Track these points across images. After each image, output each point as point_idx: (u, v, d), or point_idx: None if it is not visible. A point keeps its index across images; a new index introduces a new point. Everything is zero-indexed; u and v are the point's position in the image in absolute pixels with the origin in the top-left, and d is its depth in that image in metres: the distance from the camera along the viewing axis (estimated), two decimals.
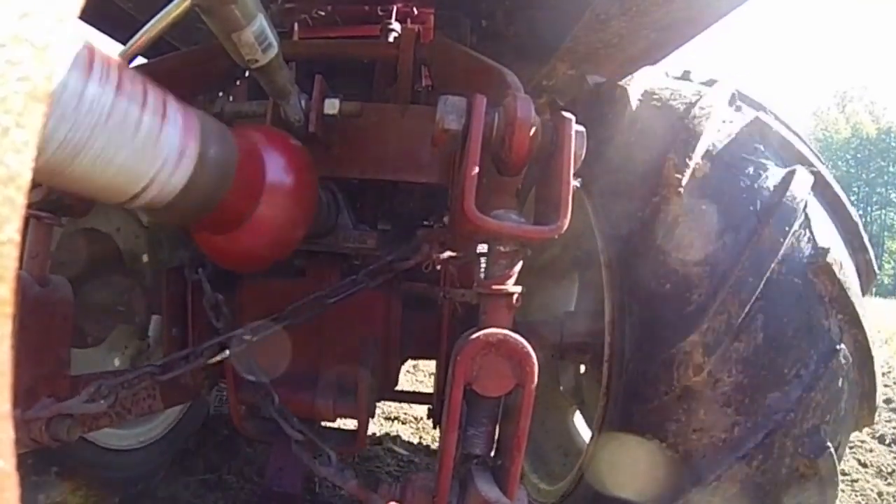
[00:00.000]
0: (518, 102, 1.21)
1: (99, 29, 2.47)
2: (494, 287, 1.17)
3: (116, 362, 2.42)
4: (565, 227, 1.15)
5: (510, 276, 1.18)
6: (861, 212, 57.12)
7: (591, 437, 1.65)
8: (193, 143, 1.00)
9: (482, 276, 1.21)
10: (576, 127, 1.23)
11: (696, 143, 1.49)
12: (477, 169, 1.16)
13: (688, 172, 1.46)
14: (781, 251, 1.38)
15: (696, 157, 1.47)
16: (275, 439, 2.12)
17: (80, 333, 1.95)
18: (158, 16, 1.17)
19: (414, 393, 2.82)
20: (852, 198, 56.57)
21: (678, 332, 1.39)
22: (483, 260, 1.22)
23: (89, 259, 2.09)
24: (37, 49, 0.35)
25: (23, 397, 1.35)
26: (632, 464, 1.45)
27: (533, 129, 1.21)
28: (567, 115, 1.24)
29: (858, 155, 56.24)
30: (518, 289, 1.19)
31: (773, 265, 1.37)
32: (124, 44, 1.27)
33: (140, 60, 2.24)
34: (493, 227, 1.13)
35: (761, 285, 1.36)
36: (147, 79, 0.90)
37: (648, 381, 1.44)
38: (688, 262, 1.42)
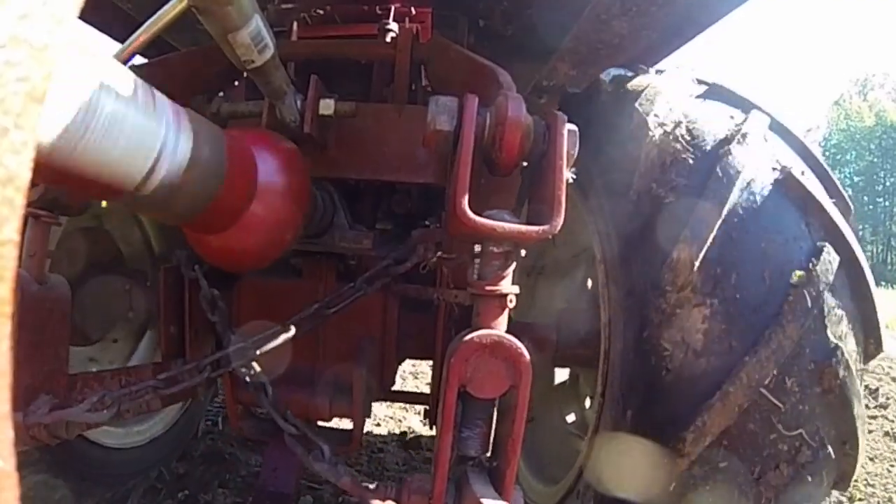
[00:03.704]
0: (509, 101, 1.21)
1: (98, 28, 2.47)
2: (487, 288, 1.16)
3: (115, 360, 2.42)
4: (559, 226, 1.14)
5: (504, 277, 1.17)
6: (887, 203, 56.31)
7: (588, 438, 1.65)
8: (185, 141, 1.01)
9: (475, 276, 1.20)
10: (568, 126, 1.22)
11: (718, 212, 1.40)
12: (469, 169, 1.16)
13: (702, 252, 1.38)
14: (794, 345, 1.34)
15: (711, 235, 1.39)
16: (271, 439, 2.13)
17: (80, 331, 1.95)
18: (155, 16, 1.17)
19: (411, 393, 2.83)
20: (878, 188, 55.60)
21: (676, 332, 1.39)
22: (477, 260, 1.22)
23: (89, 257, 2.09)
24: (36, 50, 0.35)
25: (21, 395, 1.35)
26: (629, 464, 1.44)
27: (524, 128, 1.20)
28: (559, 113, 1.24)
29: (883, 143, 55.49)
30: (513, 289, 1.18)
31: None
32: (123, 43, 1.27)
33: (140, 60, 2.25)
34: (485, 227, 1.12)
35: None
36: (141, 79, 0.90)
37: (645, 381, 1.44)
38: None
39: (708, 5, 1.98)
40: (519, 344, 1.12)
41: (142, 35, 1.18)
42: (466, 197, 1.13)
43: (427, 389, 4.40)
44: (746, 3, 1.99)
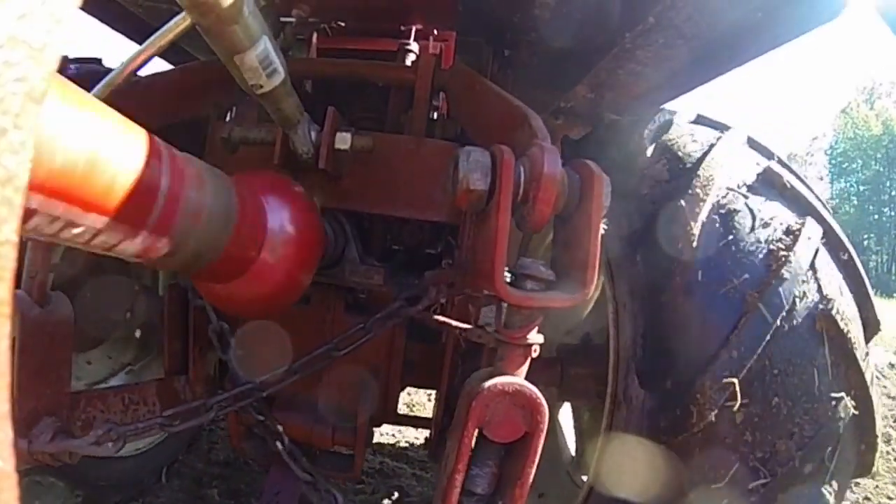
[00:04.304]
0: (545, 155, 1.12)
1: (115, 28, 2.50)
2: (515, 337, 1.15)
3: (114, 366, 2.43)
4: (590, 293, 1.12)
5: (532, 328, 1.16)
6: (893, 212, 55.80)
7: (598, 443, 1.63)
8: (190, 192, 0.97)
9: (502, 323, 1.18)
10: (603, 176, 1.17)
11: (708, 193, 1.47)
12: (507, 240, 1.11)
13: (698, 224, 1.44)
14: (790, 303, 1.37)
15: (706, 210, 1.46)
16: (273, 462, 2.11)
17: (80, 335, 1.94)
18: (158, 33, 1.15)
19: (413, 417, 2.81)
20: (884, 197, 55.33)
21: (683, 330, 1.39)
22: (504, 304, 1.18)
23: (95, 261, 2.08)
24: (34, 50, 0.35)
25: (24, 419, 1.34)
26: (640, 468, 1.43)
27: (560, 186, 1.13)
28: (593, 165, 1.18)
29: (889, 152, 54.79)
30: (538, 339, 1.17)
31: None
32: (140, 43, 1.24)
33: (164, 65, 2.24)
34: (521, 299, 1.11)
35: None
36: (142, 128, 0.87)
37: (654, 384, 1.42)
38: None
39: (733, 49, 1.96)
40: (538, 393, 1.12)
41: (144, 52, 1.15)
42: (503, 273, 1.10)
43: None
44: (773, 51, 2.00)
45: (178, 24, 1.11)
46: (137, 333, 2.55)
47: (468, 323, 1.50)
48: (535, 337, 1.16)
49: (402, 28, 2.40)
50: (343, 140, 1.65)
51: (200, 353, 1.97)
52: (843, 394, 1.37)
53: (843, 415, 1.36)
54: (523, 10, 2.00)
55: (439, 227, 2.08)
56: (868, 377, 1.41)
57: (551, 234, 1.32)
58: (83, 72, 2.03)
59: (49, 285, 1.44)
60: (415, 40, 2.40)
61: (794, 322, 1.35)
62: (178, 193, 0.94)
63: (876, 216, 56.52)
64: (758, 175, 1.55)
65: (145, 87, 1.77)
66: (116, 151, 0.77)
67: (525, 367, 1.17)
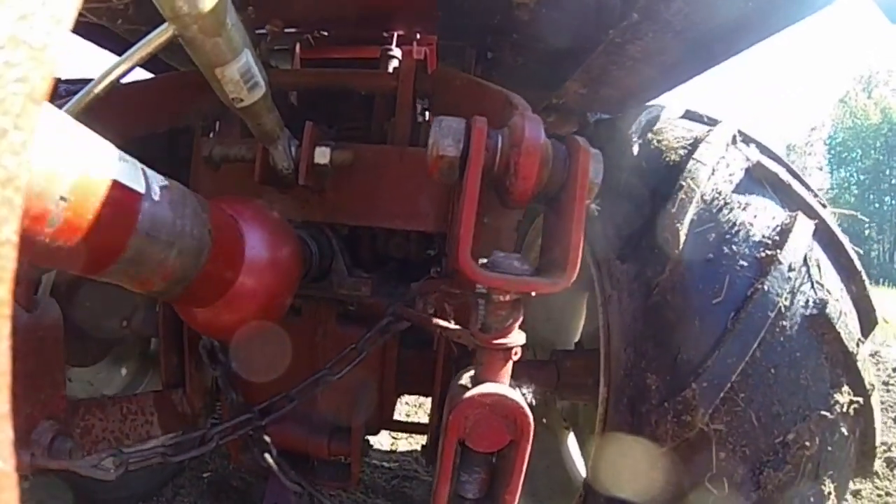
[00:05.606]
0: (526, 122, 1.08)
1: (101, 45, 2.49)
2: (493, 342, 1.09)
3: (94, 394, 2.41)
4: (573, 279, 1.04)
5: (510, 330, 1.10)
6: (894, 201, 55.33)
7: (594, 445, 1.62)
8: (167, 216, 0.97)
9: (479, 326, 1.12)
10: (591, 150, 1.11)
11: (695, 189, 1.42)
12: (475, 208, 1.04)
13: (686, 220, 1.39)
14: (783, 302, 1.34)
15: (695, 204, 1.41)
16: (270, 473, 2.11)
17: (81, 351, 1.92)
18: (139, 45, 1.09)
19: (410, 423, 2.80)
20: (884, 186, 54.86)
21: (679, 333, 1.38)
22: (481, 303, 1.13)
23: None
24: (35, 50, 0.35)
25: (22, 425, 1.33)
26: (636, 468, 1.42)
27: (542, 153, 1.07)
28: (580, 138, 1.12)
29: (889, 141, 53.95)
30: (519, 339, 1.11)
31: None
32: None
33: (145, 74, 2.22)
34: (490, 280, 1.05)
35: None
36: (122, 152, 0.85)
37: (649, 386, 1.42)
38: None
39: (728, 39, 1.95)
40: (521, 402, 1.06)
41: (124, 63, 1.11)
42: (469, 246, 1.04)
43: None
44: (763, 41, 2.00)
45: (160, 35, 1.07)
46: (123, 371, 2.55)
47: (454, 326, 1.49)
48: (514, 339, 1.10)
49: (384, 35, 2.38)
50: (322, 154, 1.62)
51: (196, 367, 1.96)
52: (839, 394, 1.34)
53: (839, 415, 1.34)
54: (502, 12, 1.99)
55: (427, 235, 2.06)
56: (865, 376, 1.39)
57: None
58: (74, 93, 2.02)
59: (34, 290, 1.43)
60: (397, 46, 2.39)
61: (787, 322, 1.32)
62: (154, 220, 0.92)
63: (876, 205, 55.91)
64: (746, 170, 1.49)
65: (127, 95, 1.75)
66: (90, 175, 0.76)
67: (507, 371, 1.11)
